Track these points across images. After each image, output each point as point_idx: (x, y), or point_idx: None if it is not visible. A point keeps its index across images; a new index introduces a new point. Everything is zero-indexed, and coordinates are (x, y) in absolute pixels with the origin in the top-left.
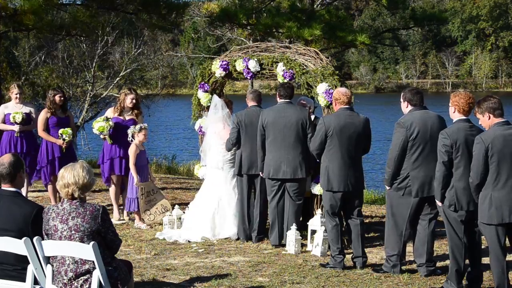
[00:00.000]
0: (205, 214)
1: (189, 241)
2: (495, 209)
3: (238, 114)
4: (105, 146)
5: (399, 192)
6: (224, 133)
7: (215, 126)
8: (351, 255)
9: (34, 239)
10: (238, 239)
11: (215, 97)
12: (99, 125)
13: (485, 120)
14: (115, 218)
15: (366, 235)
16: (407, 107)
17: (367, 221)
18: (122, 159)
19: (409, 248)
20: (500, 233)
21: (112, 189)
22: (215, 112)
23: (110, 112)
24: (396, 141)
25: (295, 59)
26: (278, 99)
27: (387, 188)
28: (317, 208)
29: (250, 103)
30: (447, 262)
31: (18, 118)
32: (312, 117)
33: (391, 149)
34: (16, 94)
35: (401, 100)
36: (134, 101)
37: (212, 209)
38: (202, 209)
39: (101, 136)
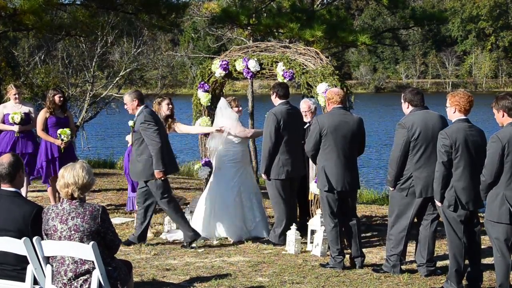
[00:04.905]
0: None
1: None
2: (506, 208)
3: None
4: None
5: (403, 192)
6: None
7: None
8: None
9: (34, 239)
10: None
11: (223, 100)
12: None
13: (500, 117)
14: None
15: (366, 235)
16: (408, 107)
17: (366, 221)
18: None
19: (409, 248)
20: (509, 232)
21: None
22: (223, 114)
23: None
24: (398, 142)
25: (295, 58)
26: (277, 99)
27: (391, 189)
28: (317, 208)
29: None
30: (447, 262)
31: (17, 119)
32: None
33: (393, 150)
34: (15, 94)
35: (402, 101)
36: (171, 106)
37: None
38: (204, 210)
39: None
